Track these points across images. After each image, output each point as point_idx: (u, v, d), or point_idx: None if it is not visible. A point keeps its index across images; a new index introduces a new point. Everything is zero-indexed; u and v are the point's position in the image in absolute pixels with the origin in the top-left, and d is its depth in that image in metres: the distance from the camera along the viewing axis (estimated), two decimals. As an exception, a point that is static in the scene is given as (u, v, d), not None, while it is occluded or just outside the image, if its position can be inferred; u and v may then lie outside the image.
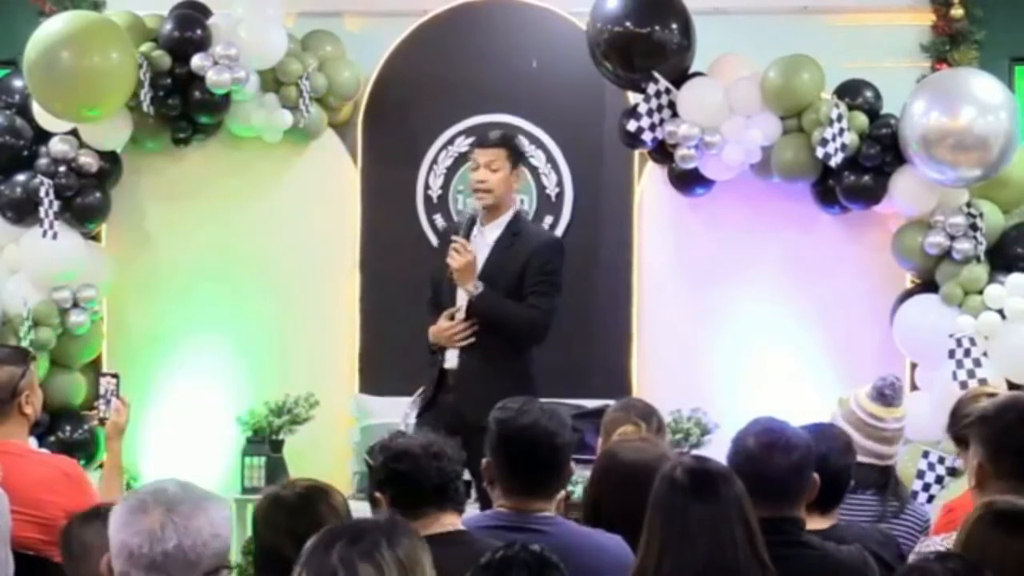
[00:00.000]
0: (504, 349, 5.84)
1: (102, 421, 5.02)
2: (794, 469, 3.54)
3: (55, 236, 6.58)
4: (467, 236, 5.81)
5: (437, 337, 5.84)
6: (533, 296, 5.85)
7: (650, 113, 6.55)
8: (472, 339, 5.80)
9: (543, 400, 6.51)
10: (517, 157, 6.02)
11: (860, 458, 4.29)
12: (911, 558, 3.56)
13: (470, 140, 7.05)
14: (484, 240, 5.89)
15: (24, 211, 6.70)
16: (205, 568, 2.54)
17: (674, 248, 7.07)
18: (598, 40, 6.55)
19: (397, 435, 3.54)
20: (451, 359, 5.86)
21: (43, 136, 6.79)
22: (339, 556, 2.31)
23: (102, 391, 5.01)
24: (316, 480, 3.38)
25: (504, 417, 3.66)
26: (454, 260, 5.74)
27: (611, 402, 6.48)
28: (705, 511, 3.09)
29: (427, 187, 7.10)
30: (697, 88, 6.61)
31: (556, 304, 5.92)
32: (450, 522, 3.43)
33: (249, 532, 6.68)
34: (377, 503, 3.44)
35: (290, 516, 3.19)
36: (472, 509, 4.32)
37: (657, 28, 6.50)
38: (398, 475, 3.41)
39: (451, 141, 7.10)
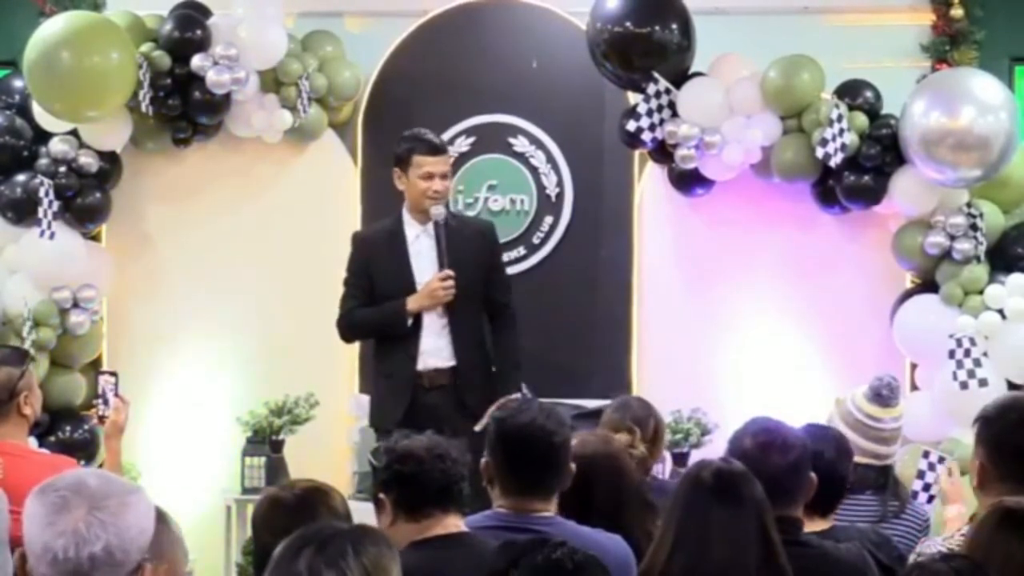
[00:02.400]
0: (482, 335, 5.95)
1: (101, 419, 5.01)
2: (791, 469, 3.54)
3: (52, 236, 6.58)
4: (443, 246, 5.84)
5: (429, 296, 5.79)
6: (502, 291, 6.01)
7: (650, 113, 6.55)
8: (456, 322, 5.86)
9: (543, 400, 6.61)
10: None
11: (858, 458, 4.27)
12: (912, 558, 3.57)
13: (471, 140, 7.08)
14: (429, 237, 5.90)
15: (24, 211, 6.70)
16: (130, 567, 2.36)
17: (674, 248, 7.08)
18: (598, 40, 6.56)
19: (402, 436, 3.53)
20: (426, 360, 5.85)
21: (43, 136, 6.79)
22: (306, 564, 2.24)
23: (100, 390, 5.00)
24: (316, 481, 3.36)
25: (503, 416, 3.67)
26: (449, 293, 5.77)
27: (611, 402, 6.51)
28: (725, 514, 3.11)
29: (427, 187, 7.10)
30: (697, 88, 6.61)
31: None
32: (453, 524, 3.43)
33: (248, 532, 6.70)
34: (381, 505, 3.43)
35: (288, 518, 3.17)
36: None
37: (657, 28, 6.50)
38: (402, 477, 3.41)
39: (451, 141, 7.07)
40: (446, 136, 7.03)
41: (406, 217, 5.95)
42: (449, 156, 5.98)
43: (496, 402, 5.66)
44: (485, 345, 6.01)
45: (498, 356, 5.95)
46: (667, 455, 6.35)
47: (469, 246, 5.89)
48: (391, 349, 5.92)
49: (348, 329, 6.04)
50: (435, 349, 5.85)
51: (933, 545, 3.56)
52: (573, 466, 3.65)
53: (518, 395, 5.79)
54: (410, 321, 5.82)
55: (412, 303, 5.80)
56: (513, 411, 3.66)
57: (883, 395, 4.44)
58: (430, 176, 5.85)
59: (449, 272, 5.77)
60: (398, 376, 5.87)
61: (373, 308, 5.92)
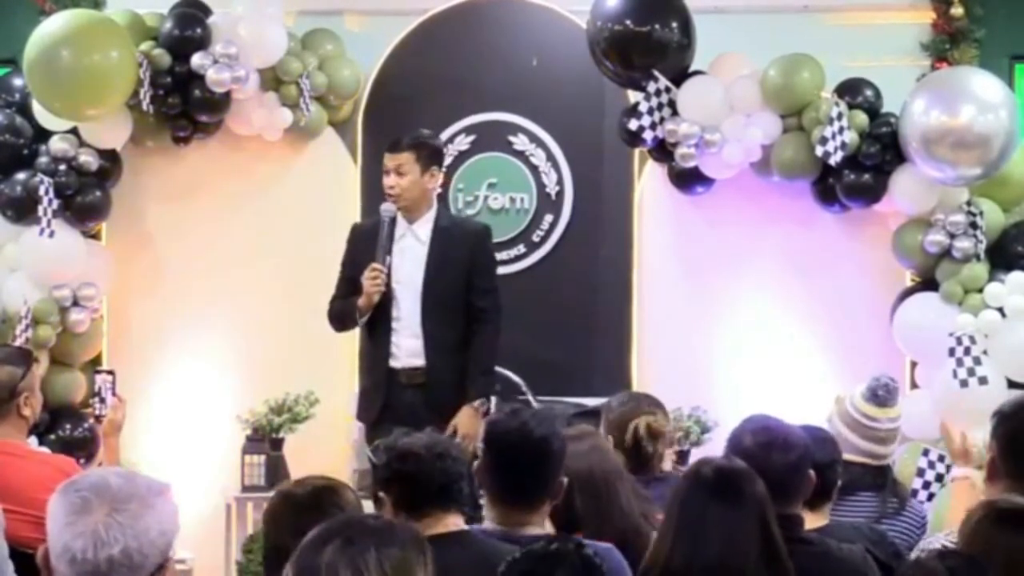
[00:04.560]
0: (462, 337, 5.88)
1: (99, 418, 5.01)
2: (792, 468, 3.54)
3: (52, 235, 6.58)
4: (390, 239, 5.83)
5: (364, 288, 5.80)
6: (479, 295, 5.88)
7: (650, 112, 6.56)
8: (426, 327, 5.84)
9: (543, 399, 6.61)
10: (430, 158, 5.94)
11: (855, 458, 4.29)
12: (914, 556, 3.57)
13: (471, 138, 7.08)
14: (417, 239, 5.91)
15: (24, 210, 6.69)
16: (150, 569, 2.35)
17: (674, 247, 7.07)
18: (598, 38, 6.56)
19: (401, 434, 3.53)
20: (401, 357, 5.85)
21: (43, 135, 6.78)
22: (327, 557, 2.22)
23: (98, 388, 5.00)
24: (329, 478, 3.34)
25: (494, 419, 3.65)
26: (375, 286, 5.77)
27: (609, 401, 6.49)
28: (725, 511, 3.11)
29: (427, 185, 7.09)
30: (697, 87, 6.61)
31: (498, 289, 5.99)
32: (453, 522, 3.42)
33: (249, 530, 6.72)
34: (381, 503, 3.43)
35: (298, 514, 3.15)
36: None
37: (657, 26, 6.50)
38: (402, 475, 3.40)
39: (451, 140, 7.10)
40: (446, 134, 7.05)
41: (399, 213, 5.97)
42: (402, 154, 5.87)
43: (463, 407, 5.69)
44: (465, 348, 5.94)
45: (469, 360, 5.89)
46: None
47: (453, 248, 5.88)
48: (371, 348, 5.98)
49: (328, 318, 6.08)
50: (410, 348, 5.86)
51: (936, 542, 3.55)
52: (564, 480, 3.61)
53: (481, 400, 5.77)
54: (363, 317, 5.84)
55: (360, 300, 5.84)
56: (505, 415, 3.63)
57: (880, 395, 4.43)
58: (385, 172, 5.88)
59: (376, 266, 5.78)
60: (376, 373, 5.91)
61: (344, 301, 5.96)
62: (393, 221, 5.88)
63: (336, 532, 2.29)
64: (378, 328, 5.89)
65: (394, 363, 5.85)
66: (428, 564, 2.32)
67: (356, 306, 5.84)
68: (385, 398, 5.84)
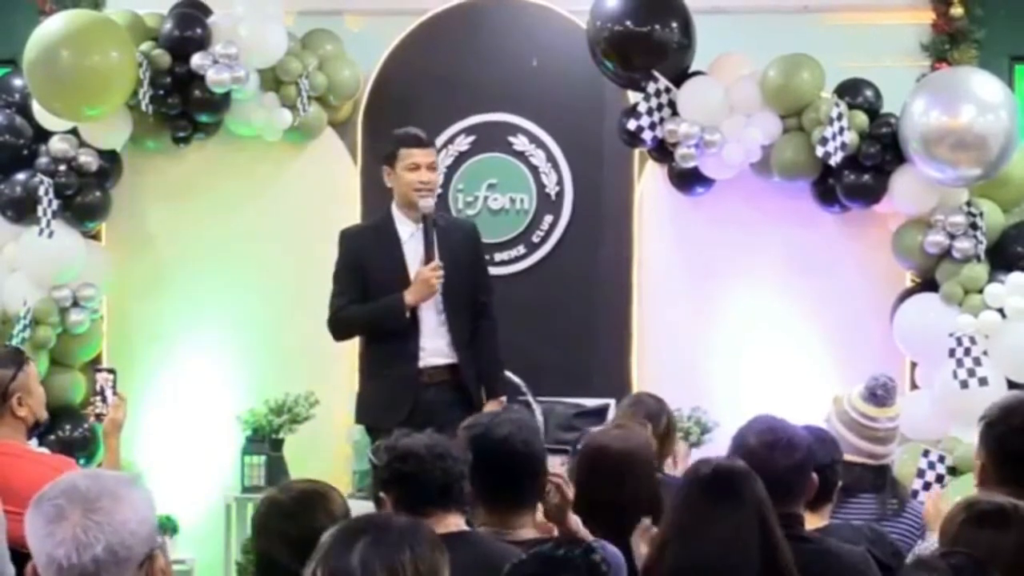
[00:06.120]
0: (472, 332, 5.91)
1: (99, 417, 4.98)
2: (795, 468, 3.55)
3: (51, 235, 6.58)
4: (431, 238, 5.81)
5: (426, 287, 5.76)
6: (483, 290, 5.97)
7: (650, 112, 6.55)
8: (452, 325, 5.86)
9: (544, 399, 6.61)
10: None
11: (854, 458, 4.28)
12: (910, 558, 3.57)
13: (471, 139, 7.08)
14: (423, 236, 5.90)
15: (24, 210, 6.70)
16: (138, 559, 2.37)
17: (674, 247, 7.07)
18: (598, 39, 6.56)
19: (402, 435, 3.52)
20: (425, 357, 5.84)
21: (43, 135, 6.79)
22: (360, 557, 2.22)
23: (99, 387, 4.99)
24: (316, 482, 3.33)
25: (476, 433, 3.64)
26: (440, 282, 5.77)
27: (611, 401, 6.49)
28: (723, 511, 3.11)
29: (427, 186, 7.09)
30: (697, 87, 6.61)
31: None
32: (454, 523, 3.42)
33: (248, 530, 6.71)
34: (382, 504, 3.43)
35: (286, 521, 3.15)
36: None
37: (657, 27, 6.50)
38: (403, 476, 3.40)
39: (451, 140, 7.10)
40: (446, 134, 7.07)
41: (397, 215, 5.90)
42: (434, 150, 5.96)
43: (489, 402, 5.73)
44: (473, 342, 5.97)
45: (484, 355, 5.89)
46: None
47: (457, 246, 5.89)
48: (390, 348, 5.87)
49: (343, 326, 5.95)
50: (435, 347, 5.83)
51: (932, 544, 3.56)
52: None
53: (503, 398, 5.86)
54: (408, 314, 5.82)
55: (410, 296, 5.76)
56: (486, 426, 3.63)
57: (878, 395, 4.43)
58: (416, 167, 5.83)
59: (439, 263, 5.77)
60: (399, 375, 5.81)
61: (367, 305, 5.87)
62: (433, 221, 5.88)
63: (362, 531, 2.29)
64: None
65: (421, 363, 5.82)
66: (447, 566, 2.32)
67: (402, 303, 5.75)
68: (414, 399, 5.82)
